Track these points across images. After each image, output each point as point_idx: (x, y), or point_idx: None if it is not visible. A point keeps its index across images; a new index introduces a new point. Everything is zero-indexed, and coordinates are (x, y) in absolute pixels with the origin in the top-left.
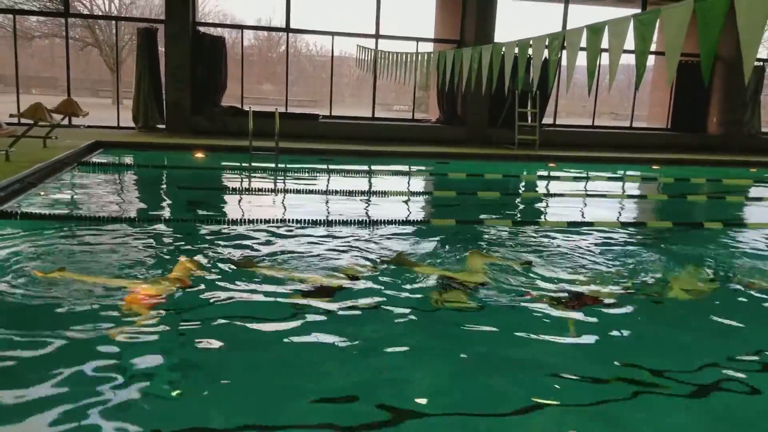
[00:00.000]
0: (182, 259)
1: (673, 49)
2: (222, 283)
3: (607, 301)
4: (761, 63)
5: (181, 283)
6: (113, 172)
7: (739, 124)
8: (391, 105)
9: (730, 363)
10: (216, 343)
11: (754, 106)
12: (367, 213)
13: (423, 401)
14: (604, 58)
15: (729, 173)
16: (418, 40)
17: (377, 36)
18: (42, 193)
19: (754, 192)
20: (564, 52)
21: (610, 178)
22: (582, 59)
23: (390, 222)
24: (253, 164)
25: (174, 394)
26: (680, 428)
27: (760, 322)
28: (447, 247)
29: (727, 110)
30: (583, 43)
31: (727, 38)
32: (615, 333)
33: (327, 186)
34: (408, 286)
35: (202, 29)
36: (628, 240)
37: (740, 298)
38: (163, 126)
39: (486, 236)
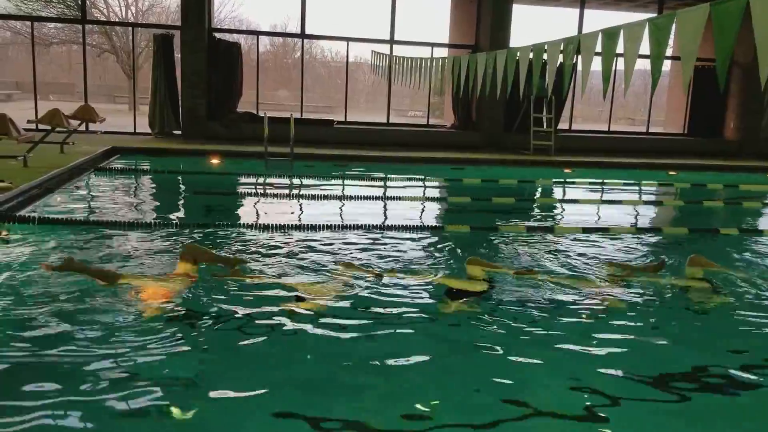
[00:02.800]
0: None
1: (689, 53)
2: (233, 286)
3: (620, 306)
4: None
5: (186, 279)
6: (129, 178)
7: (757, 130)
8: (406, 111)
9: (743, 370)
10: (221, 345)
11: None
12: (382, 218)
13: (427, 407)
14: (620, 63)
15: (746, 179)
16: (432, 45)
17: (392, 41)
18: (59, 199)
19: None
20: (579, 56)
21: (626, 184)
22: (597, 64)
23: (403, 228)
24: (268, 170)
25: (178, 392)
26: None
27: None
28: (461, 252)
29: (745, 115)
30: (599, 48)
31: (743, 43)
32: (628, 339)
33: (342, 191)
34: (416, 292)
35: (217, 35)
36: (643, 246)
37: (754, 305)
38: (179, 132)
39: (499, 242)
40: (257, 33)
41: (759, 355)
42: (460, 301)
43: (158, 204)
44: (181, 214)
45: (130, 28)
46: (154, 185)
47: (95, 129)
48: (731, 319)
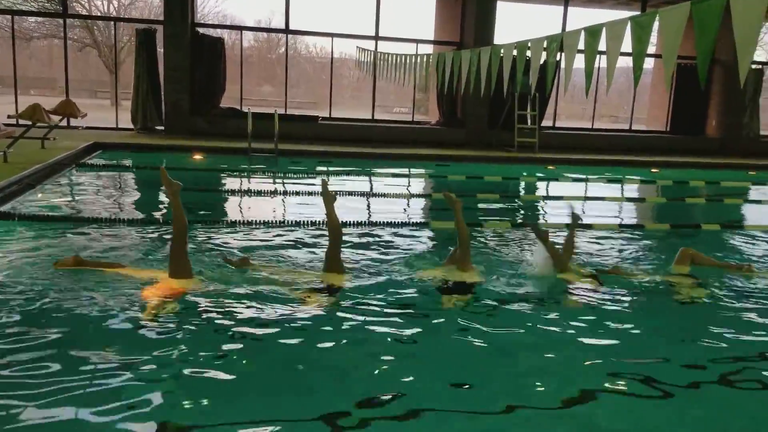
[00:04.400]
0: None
1: (670, 51)
2: (221, 283)
3: (603, 298)
4: (760, 66)
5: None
6: (112, 174)
7: (738, 127)
8: (391, 107)
9: (722, 363)
10: (217, 341)
11: (752, 109)
12: (366, 214)
13: (427, 397)
14: (603, 61)
15: (727, 176)
16: (417, 41)
17: (377, 38)
18: (40, 195)
19: (752, 194)
20: (562, 54)
21: (609, 181)
22: (581, 61)
23: (388, 224)
24: (252, 166)
25: (177, 389)
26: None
27: (752, 324)
28: (446, 248)
29: (726, 113)
30: (581, 46)
31: (725, 41)
32: (610, 332)
33: (324, 179)
34: (407, 286)
35: (201, 30)
36: (625, 242)
37: (734, 300)
38: (162, 127)
39: (484, 237)
40: (241, 28)
41: (741, 348)
42: (453, 295)
43: (141, 200)
44: (163, 210)
45: (112, 23)
46: (136, 181)
47: (77, 124)
48: (713, 312)
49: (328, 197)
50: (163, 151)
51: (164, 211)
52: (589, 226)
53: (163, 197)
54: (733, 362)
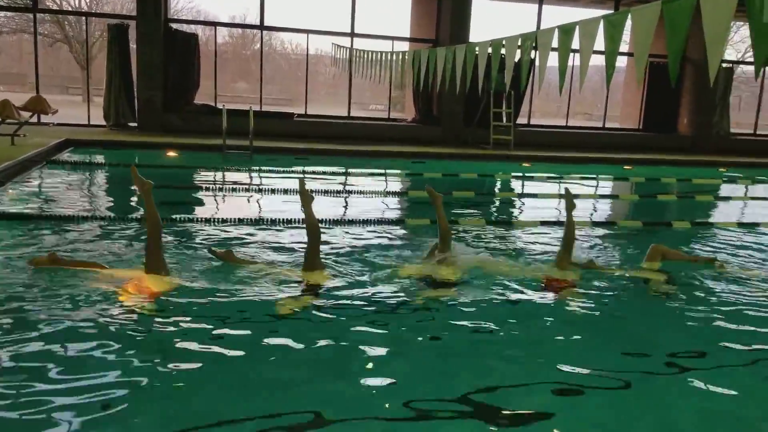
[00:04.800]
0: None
1: (642, 50)
2: (198, 280)
3: (578, 296)
4: (730, 65)
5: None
6: (83, 171)
7: (709, 126)
8: (367, 104)
9: (688, 357)
10: (194, 339)
11: (723, 107)
12: (343, 211)
13: (410, 392)
14: (578, 59)
15: (699, 173)
16: (393, 39)
17: (353, 34)
18: (11, 192)
19: (722, 192)
20: (536, 52)
21: (582, 178)
22: (555, 59)
23: (364, 221)
24: (226, 163)
25: (154, 387)
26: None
27: (719, 319)
28: (423, 245)
29: (697, 111)
30: (555, 44)
31: (696, 40)
32: (586, 328)
33: (301, 178)
34: (387, 282)
35: (174, 26)
36: (598, 239)
37: (702, 295)
38: (135, 124)
39: (460, 234)
40: (215, 24)
41: (711, 342)
42: (434, 289)
43: (113, 198)
44: (136, 207)
45: (84, 18)
46: (108, 179)
47: (47, 121)
48: (683, 307)
49: (306, 197)
50: (136, 148)
51: (138, 208)
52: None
53: (136, 195)
54: (701, 356)
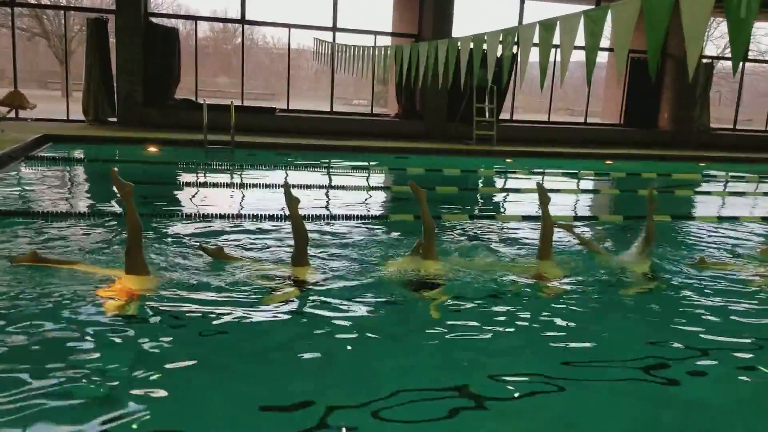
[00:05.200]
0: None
1: (622, 45)
2: (180, 279)
3: (559, 291)
4: (710, 61)
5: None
6: (63, 167)
7: (689, 120)
8: (350, 99)
9: (670, 350)
10: (177, 337)
11: (703, 102)
12: (325, 207)
13: (396, 386)
14: (559, 54)
15: (679, 168)
16: (375, 33)
17: (335, 29)
18: None
19: (702, 186)
20: (518, 47)
21: (564, 173)
22: (537, 55)
23: (347, 217)
24: (207, 158)
25: (138, 386)
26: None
27: (701, 312)
28: (407, 239)
29: (678, 107)
30: (537, 39)
31: (677, 36)
32: (566, 322)
33: (284, 180)
34: (373, 278)
35: (154, 20)
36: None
37: (683, 289)
38: (115, 119)
39: (444, 230)
40: (196, 18)
41: (690, 338)
42: (420, 285)
43: (93, 194)
44: (116, 204)
45: (62, 12)
46: (88, 174)
47: (26, 116)
48: (664, 303)
49: (292, 199)
50: (116, 144)
51: (118, 205)
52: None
53: (115, 191)
54: (684, 349)
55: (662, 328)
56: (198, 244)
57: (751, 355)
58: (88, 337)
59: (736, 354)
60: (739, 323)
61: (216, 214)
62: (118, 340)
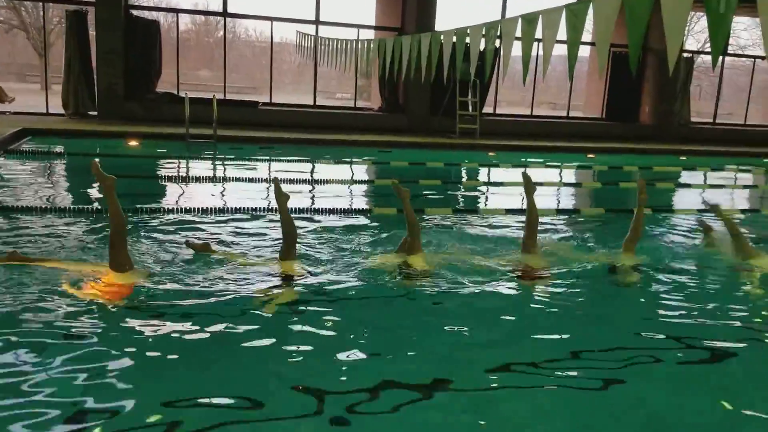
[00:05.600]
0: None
1: (603, 39)
2: (165, 274)
3: (541, 283)
4: (690, 55)
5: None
6: (42, 161)
7: (670, 114)
8: (333, 93)
9: (652, 341)
10: (173, 330)
11: (683, 96)
12: (309, 201)
13: (382, 379)
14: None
15: (660, 161)
16: (359, 27)
17: (317, 22)
18: None
19: (682, 179)
20: (500, 41)
21: (547, 167)
22: (520, 49)
23: (330, 211)
24: (190, 152)
25: (125, 384)
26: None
27: (683, 302)
28: (391, 233)
29: (659, 100)
30: (519, 33)
31: (658, 31)
32: (550, 313)
33: (268, 174)
34: (360, 274)
35: (135, 12)
36: (563, 226)
37: (665, 280)
38: (95, 113)
39: (427, 223)
40: (177, 11)
41: (674, 329)
42: (405, 281)
43: (73, 189)
44: (97, 199)
45: (41, 3)
46: (68, 169)
47: (4, 109)
48: (647, 293)
49: (281, 197)
50: (97, 138)
51: (99, 200)
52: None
53: (96, 186)
54: (666, 339)
55: (647, 320)
56: (185, 240)
57: (739, 345)
58: (72, 335)
59: (723, 344)
60: (727, 315)
61: (199, 208)
62: (104, 337)
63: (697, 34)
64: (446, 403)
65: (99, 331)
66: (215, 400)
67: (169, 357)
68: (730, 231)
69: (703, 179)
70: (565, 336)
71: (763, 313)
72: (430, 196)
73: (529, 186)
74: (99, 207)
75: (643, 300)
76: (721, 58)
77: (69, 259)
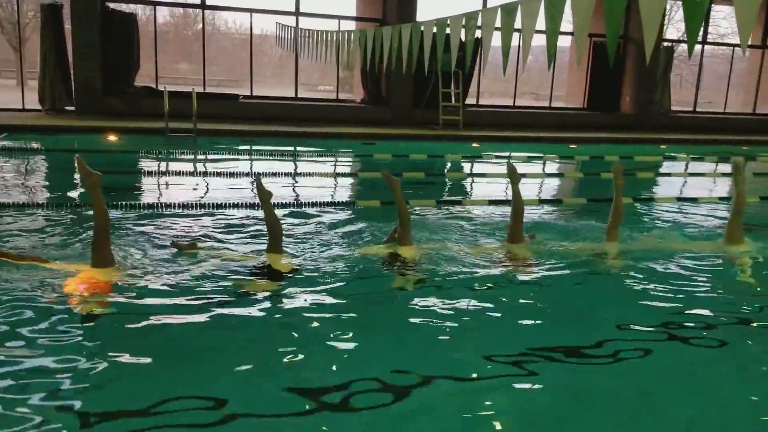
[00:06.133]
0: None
1: (581, 29)
2: (147, 271)
3: (526, 273)
4: (670, 44)
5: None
6: (19, 158)
7: (650, 104)
8: (315, 85)
9: (633, 328)
10: (157, 326)
11: (664, 85)
12: (292, 195)
13: (371, 373)
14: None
15: (641, 150)
16: (339, 18)
17: (297, 13)
18: None
19: (663, 168)
20: (480, 32)
21: (530, 157)
22: (499, 39)
23: (314, 204)
24: (170, 147)
25: (114, 382)
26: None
27: (664, 289)
28: (375, 226)
29: (639, 90)
30: (499, 23)
31: (638, 20)
32: (534, 304)
33: (250, 168)
34: (351, 265)
35: (111, 5)
36: (545, 216)
37: (646, 267)
38: (73, 108)
39: (412, 215)
40: (155, 3)
41: (656, 315)
42: (396, 272)
43: (52, 186)
44: (76, 196)
45: None
46: (46, 165)
47: None
48: (627, 282)
49: (264, 194)
50: (75, 133)
51: (80, 196)
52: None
53: (75, 182)
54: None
55: (629, 307)
56: (171, 241)
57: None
58: (55, 333)
59: (707, 331)
60: (709, 302)
61: (179, 203)
62: (86, 335)
63: (677, 23)
64: (431, 395)
65: (80, 329)
66: (200, 397)
67: (152, 355)
68: (735, 205)
69: (684, 167)
70: (551, 324)
71: (747, 298)
72: (414, 188)
73: (514, 176)
74: (79, 202)
75: (627, 286)
76: (700, 46)
77: (49, 255)
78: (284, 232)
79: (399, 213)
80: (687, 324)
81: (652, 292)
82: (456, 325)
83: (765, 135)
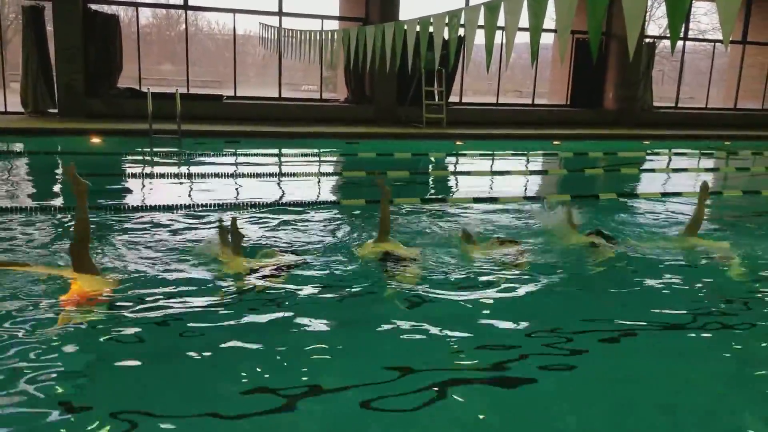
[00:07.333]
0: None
1: (564, 26)
2: (130, 276)
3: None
4: (652, 40)
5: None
6: (1, 161)
7: (633, 100)
8: (299, 85)
9: (619, 322)
10: (140, 331)
11: (646, 82)
12: (277, 195)
13: (363, 369)
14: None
15: (624, 146)
16: (323, 17)
17: (281, 13)
18: None
19: (646, 164)
20: (463, 29)
21: (514, 155)
22: (482, 37)
23: (298, 203)
24: (154, 148)
25: (98, 388)
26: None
27: (648, 282)
28: (360, 225)
29: (622, 86)
30: (482, 21)
31: (620, 16)
32: (525, 299)
33: (235, 169)
34: (338, 266)
35: (93, 7)
36: (529, 214)
37: (630, 261)
38: (56, 110)
39: (395, 214)
40: (137, 4)
41: (641, 308)
42: (386, 270)
43: (34, 189)
44: (59, 197)
45: None
46: (29, 169)
47: None
48: (615, 275)
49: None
50: (58, 135)
51: (62, 199)
52: (494, 200)
53: (59, 185)
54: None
55: (613, 301)
56: (218, 224)
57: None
58: (38, 339)
59: (693, 330)
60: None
61: (164, 205)
62: (73, 340)
63: (658, 19)
64: (421, 390)
65: (65, 334)
66: (187, 401)
67: (137, 359)
68: (695, 215)
69: (667, 163)
70: (542, 318)
71: (718, 290)
72: (398, 186)
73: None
74: (62, 206)
75: (613, 281)
76: (682, 42)
77: (31, 260)
78: (273, 231)
79: (381, 222)
80: (664, 308)
81: (631, 287)
82: (446, 321)
83: (746, 130)
